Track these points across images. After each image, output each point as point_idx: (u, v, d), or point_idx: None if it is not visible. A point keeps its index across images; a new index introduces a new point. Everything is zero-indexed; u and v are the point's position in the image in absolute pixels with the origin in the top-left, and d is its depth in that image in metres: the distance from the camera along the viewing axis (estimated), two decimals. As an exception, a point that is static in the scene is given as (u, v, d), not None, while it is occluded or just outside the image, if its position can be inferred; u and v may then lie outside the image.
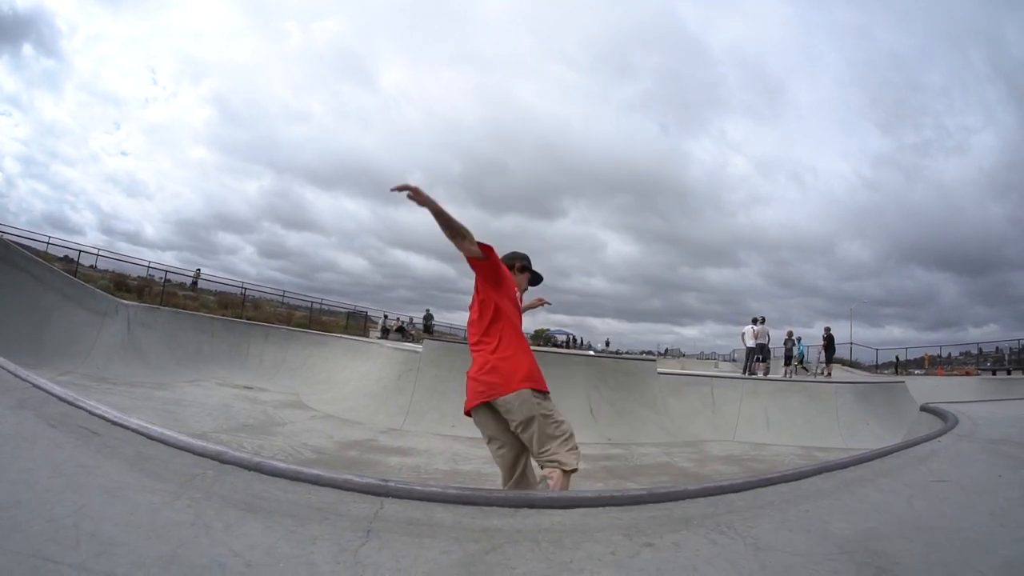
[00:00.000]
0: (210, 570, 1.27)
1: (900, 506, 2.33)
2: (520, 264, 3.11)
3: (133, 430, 2.27)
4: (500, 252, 2.84)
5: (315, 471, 2.00)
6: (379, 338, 20.11)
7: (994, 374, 21.83)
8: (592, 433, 9.06)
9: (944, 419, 4.50)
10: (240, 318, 17.36)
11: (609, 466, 7.22)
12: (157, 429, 2.27)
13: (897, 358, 27.34)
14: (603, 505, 1.95)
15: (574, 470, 2.54)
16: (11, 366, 3.05)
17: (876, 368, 25.54)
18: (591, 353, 25.53)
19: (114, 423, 2.36)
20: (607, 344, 42.41)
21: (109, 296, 12.72)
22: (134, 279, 19.93)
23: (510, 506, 1.87)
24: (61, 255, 19.15)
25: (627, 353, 39.44)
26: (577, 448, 2.61)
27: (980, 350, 27.53)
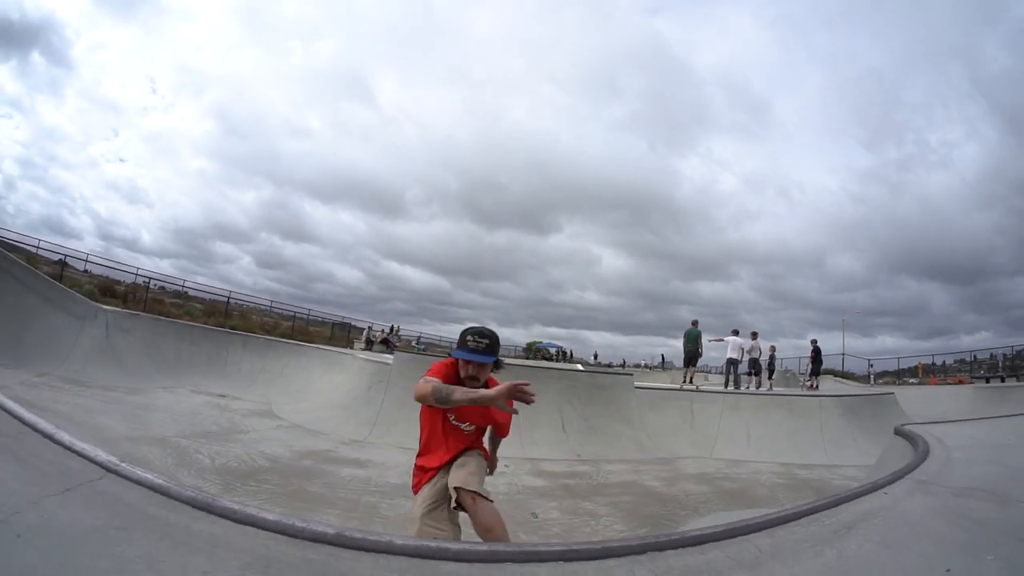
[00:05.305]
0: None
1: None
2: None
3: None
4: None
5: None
6: (363, 349, 20.21)
7: (987, 381, 21.51)
8: (562, 449, 9.05)
9: (914, 447, 3.73)
10: (223, 326, 17.50)
11: (570, 484, 7.11)
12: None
13: (870, 364, 27.15)
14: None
15: None
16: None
17: (870, 379, 25.63)
18: (579, 367, 25.57)
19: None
20: (595, 357, 42.37)
21: (89, 301, 12.81)
22: (122, 285, 20.11)
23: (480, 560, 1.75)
24: (55, 259, 19.32)
25: (611, 366, 39.25)
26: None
27: (974, 357, 27.50)
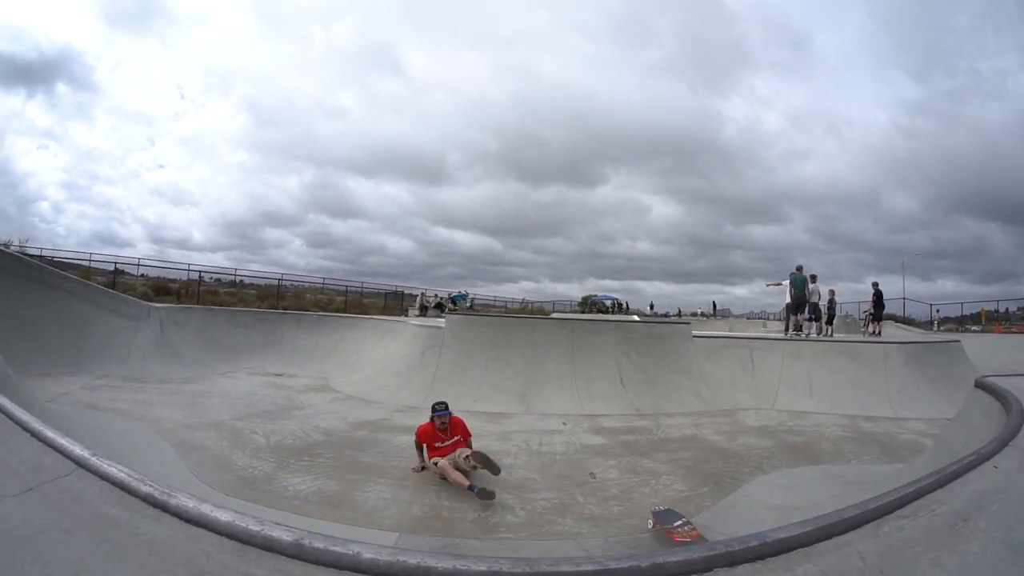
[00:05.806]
0: None
1: None
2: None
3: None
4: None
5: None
6: (417, 315, 20.11)
7: (1055, 331, 19.61)
8: (620, 403, 8.69)
9: (1006, 407, 3.14)
10: (276, 308, 17.68)
11: (629, 441, 6.80)
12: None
13: (936, 310, 25.09)
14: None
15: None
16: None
17: (934, 325, 23.63)
18: (635, 318, 24.75)
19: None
20: (651, 307, 41.17)
21: (141, 302, 13.18)
22: (176, 283, 20.68)
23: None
24: (109, 269, 20.06)
25: (668, 315, 38.22)
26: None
27: (1039, 304, 25.04)
